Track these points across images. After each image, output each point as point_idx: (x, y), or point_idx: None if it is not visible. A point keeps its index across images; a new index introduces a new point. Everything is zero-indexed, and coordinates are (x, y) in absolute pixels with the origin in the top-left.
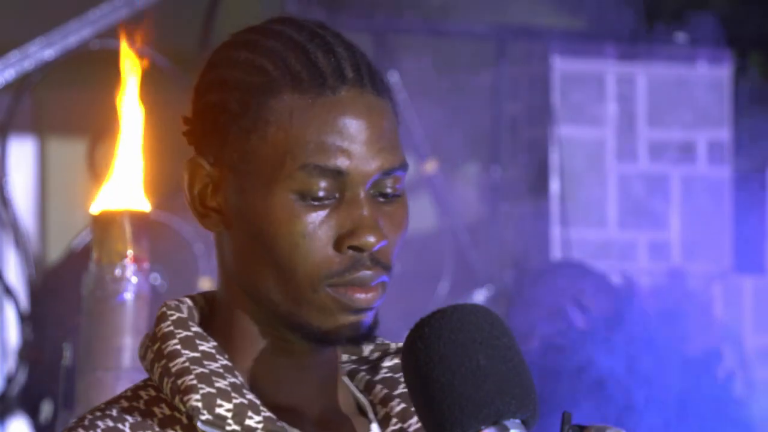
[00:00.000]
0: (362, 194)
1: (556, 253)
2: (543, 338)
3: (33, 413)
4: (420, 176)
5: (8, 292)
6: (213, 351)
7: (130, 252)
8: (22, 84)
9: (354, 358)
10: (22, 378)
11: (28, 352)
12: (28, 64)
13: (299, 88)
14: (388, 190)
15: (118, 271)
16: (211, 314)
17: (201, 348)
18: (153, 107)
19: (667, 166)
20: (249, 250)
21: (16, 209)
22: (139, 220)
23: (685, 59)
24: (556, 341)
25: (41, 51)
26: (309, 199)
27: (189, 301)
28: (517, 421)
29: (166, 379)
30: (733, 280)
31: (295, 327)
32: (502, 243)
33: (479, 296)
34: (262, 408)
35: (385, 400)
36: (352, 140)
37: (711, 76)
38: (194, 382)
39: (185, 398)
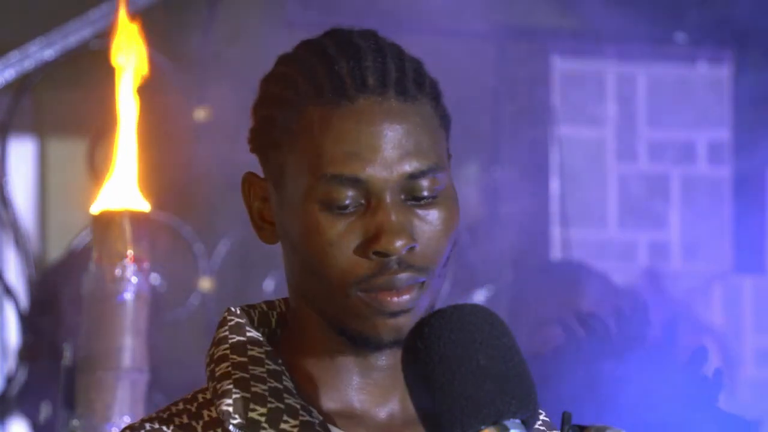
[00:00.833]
0: (388, 199)
1: (556, 253)
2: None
3: (33, 413)
4: None
5: (8, 292)
6: (263, 356)
7: (130, 252)
8: (22, 84)
9: None
10: (22, 378)
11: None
12: (28, 64)
13: (321, 100)
14: (424, 193)
15: (118, 271)
16: (285, 320)
17: (250, 353)
18: (152, 107)
19: (667, 166)
20: (294, 260)
21: (16, 209)
22: (139, 220)
23: (685, 59)
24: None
25: (41, 51)
26: (333, 209)
27: (264, 306)
28: (517, 421)
29: (210, 383)
30: (733, 280)
31: (341, 332)
32: (502, 243)
33: (479, 296)
34: (302, 413)
35: None
36: (369, 148)
37: (711, 76)
38: (230, 386)
39: (218, 402)
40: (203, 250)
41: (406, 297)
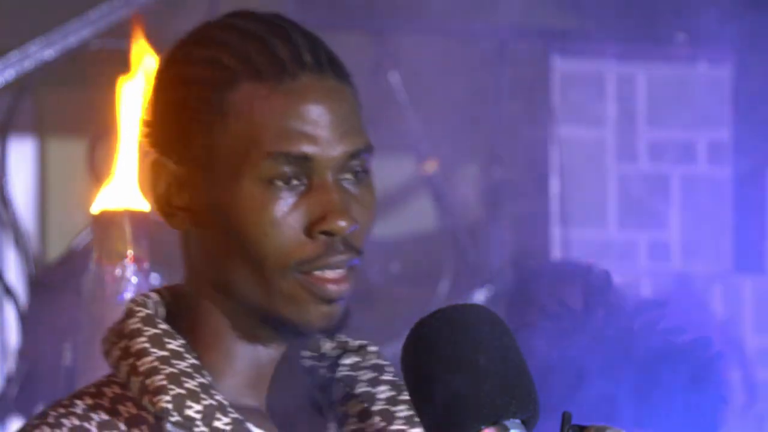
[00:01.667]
0: (330, 179)
1: (556, 253)
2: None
3: (33, 413)
4: (420, 176)
5: (8, 292)
6: (181, 349)
7: (130, 252)
8: (22, 84)
9: (314, 355)
10: (22, 378)
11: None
12: (28, 64)
13: (258, 77)
14: (359, 174)
15: (118, 271)
16: (178, 310)
17: (169, 346)
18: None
19: (667, 166)
20: (219, 245)
21: (16, 209)
22: (139, 220)
23: (685, 59)
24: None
25: (41, 51)
26: (276, 187)
27: (155, 296)
28: (518, 421)
29: (134, 378)
30: (733, 280)
31: (266, 319)
32: (502, 243)
33: (479, 296)
34: (229, 409)
35: (344, 399)
36: (316, 125)
37: (711, 76)
38: (164, 382)
39: (155, 399)
40: None
41: (343, 285)
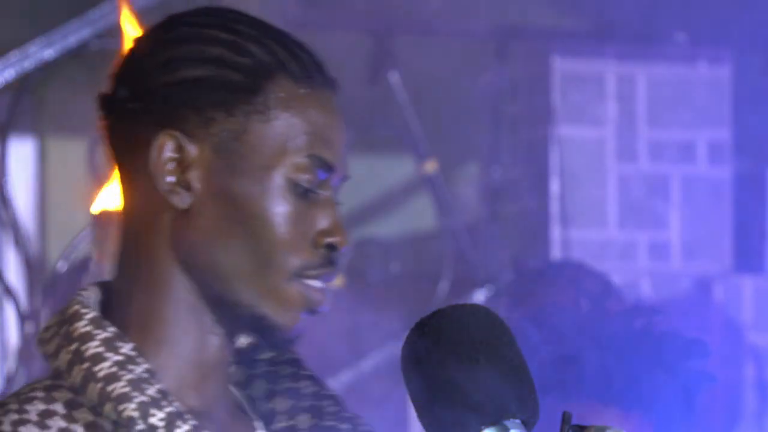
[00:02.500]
0: (335, 195)
1: (556, 253)
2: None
3: None
4: (420, 176)
5: (8, 292)
6: (134, 354)
7: None
8: (22, 84)
9: None
10: (22, 378)
11: (27, 352)
12: (28, 64)
13: (291, 76)
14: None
15: None
16: (110, 307)
17: (122, 351)
18: None
19: (667, 166)
20: (220, 230)
21: (16, 209)
22: None
23: (685, 59)
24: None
25: (41, 51)
26: (301, 188)
27: (92, 295)
28: (518, 421)
29: (92, 384)
30: (733, 280)
31: (251, 317)
32: (502, 243)
33: (479, 296)
34: (187, 416)
35: (269, 396)
36: (338, 141)
37: (711, 76)
38: (127, 389)
39: (120, 407)
40: None
41: (327, 299)
